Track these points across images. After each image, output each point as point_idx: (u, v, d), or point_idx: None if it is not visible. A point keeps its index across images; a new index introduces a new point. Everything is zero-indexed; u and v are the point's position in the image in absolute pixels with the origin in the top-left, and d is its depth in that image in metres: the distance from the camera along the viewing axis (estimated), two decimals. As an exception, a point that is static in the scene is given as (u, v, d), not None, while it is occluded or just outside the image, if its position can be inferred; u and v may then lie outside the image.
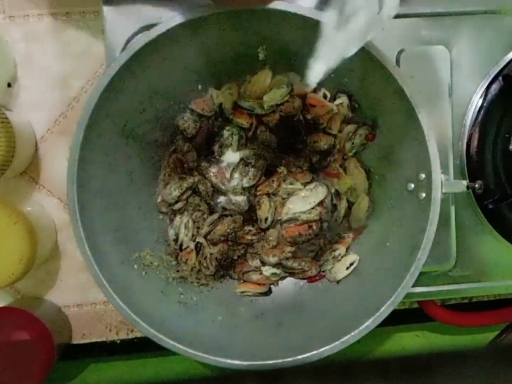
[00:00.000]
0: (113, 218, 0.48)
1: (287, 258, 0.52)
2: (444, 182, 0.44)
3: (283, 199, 0.52)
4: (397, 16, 0.50)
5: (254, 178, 0.51)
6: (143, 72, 0.45)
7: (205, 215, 0.52)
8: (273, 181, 0.51)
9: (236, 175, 0.51)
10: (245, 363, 0.44)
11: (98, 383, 0.58)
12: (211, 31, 0.45)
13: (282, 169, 0.51)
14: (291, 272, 0.53)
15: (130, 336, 0.57)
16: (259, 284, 0.53)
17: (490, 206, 0.52)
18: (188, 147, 0.51)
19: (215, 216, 0.52)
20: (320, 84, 0.50)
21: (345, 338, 0.44)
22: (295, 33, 0.45)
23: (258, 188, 0.51)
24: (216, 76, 0.50)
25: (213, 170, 0.52)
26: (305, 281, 0.53)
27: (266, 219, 0.51)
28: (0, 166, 0.47)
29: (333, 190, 0.52)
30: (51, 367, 0.50)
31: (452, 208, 0.51)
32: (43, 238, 0.51)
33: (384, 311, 0.44)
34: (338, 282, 0.52)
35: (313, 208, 0.51)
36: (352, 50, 0.38)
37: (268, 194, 0.52)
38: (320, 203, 0.52)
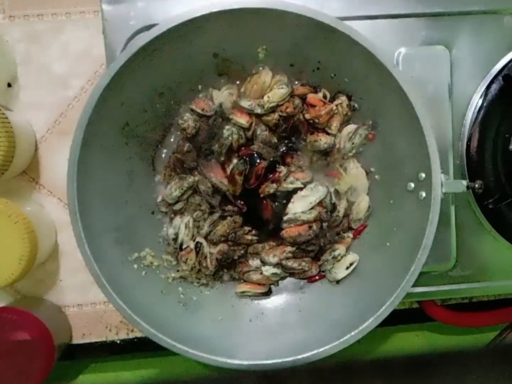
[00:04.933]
0: (113, 218, 0.48)
1: (287, 258, 0.52)
2: (444, 182, 0.44)
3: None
4: (397, 16, 0.51)
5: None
6: (143, 72, 0.45)
7: (206, 215, 0.52)
8: (273, 181, 0.51)
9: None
10: (245, 363, 0.44)
11: (98, 383, 0.58)
12: (211, 31, 0.45)
13: (282, 169, 0.51)
14: (291, 272, 0.53)
15: (130, 336, 0.57)
16: (259, 284, 0.53)
17: (490, 206, 0.52)
18: (188, 147, 0.51)
19: (215, 216, 0.52)
20: (320, 84, 0.51)
21: (345, 338, 0.44)
22: (295, 33, 0.45)
23: (260, 191, 0.51)
24: (216, 76, 0.50)
25: (213, 169, 0.52)
26: (305, 281, 0.53)
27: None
28: (0, 166, 0.47)
29: (332, 190, 0.52)
30: (51, 367, 0.50)
31: (452, 208, 0.51)
32: (43, 238, 0.51)
33: (384, 311, 0.44)
34: (338, 282, 0.52)
35: (312, 208, 0.51)
36: None
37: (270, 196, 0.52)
38: (320, 203, 0.52)
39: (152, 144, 0.51)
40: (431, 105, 0.50)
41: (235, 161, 0.51)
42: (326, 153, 0.52)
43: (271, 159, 0.51)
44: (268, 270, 0.52)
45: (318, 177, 0.53)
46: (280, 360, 0.44)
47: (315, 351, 0.44)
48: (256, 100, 0.50)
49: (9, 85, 0.53)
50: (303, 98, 0.51)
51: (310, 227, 0.51)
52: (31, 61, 0.54)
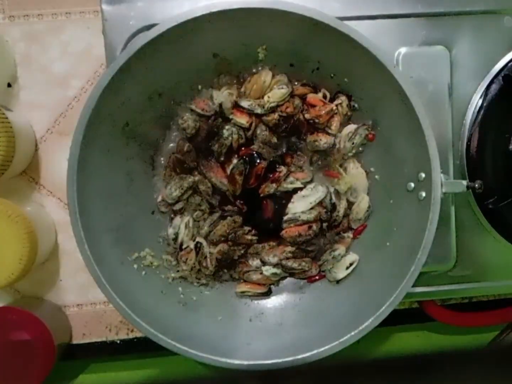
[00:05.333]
0: (113, 218, 0.48)
1: (287, 258, 0.52)
2: (444, 182, 0.44)
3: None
4: (397, 16, 0.51)
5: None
6: (143, 72, 0.45)
7: (206, 215, 0.52)
8: (273, 181, 0.51)
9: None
10: (245, 363, 0.44)
11: (98, 383, 0.58)
12: (211, 31, 0.45)
13: (282, 169, 0.51)
14: (291, 272, 0.53)
15: (130, 336, 0.57)
16: (259, 284, 0.53)
17: (490, 206, 0.52)
18: (188, 147, 0.51)
19: (215, 216, 0.52)
20: (320, 84, 0.51)
21: (345, 338, 0.44)
22: (295, 33, 0.45)
23: (260, 191, 0.51)
24: (216, 76, 0.50)
25: (213, 169, 0.52)
26: (305, 281, 0.53)
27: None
28: (0, 166, 0.47)
29: (332, 190, 0.52)
30: (51, 367, 0.50)
31: (452, 208, 0.51)
32: (43, 238, 0.51)
33: (384, 311, 0.44)
34: (338, 282, 0.52)
35: (312, 208, 0.51)
36: None
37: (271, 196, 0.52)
38: (320, 203, 0.52)
39: (152, 144, 0.51)
40: (431, 105, 0.50)
41: (235, 161, 0.51)
42: (326, 153, 0.52)
43: (271, 159, 0.51)
44: (268, 270, 0.52)
45: (318, 177, 0.53)
46: (280, 360, 0.44)
47: (315, 351, 0.44)
48: (256, 100, 0.50)
49: (9, 85, 0.53)
50: (303, 98, 0.51)
51: (310, 227, 0.51)
52: (31, 61, 0.54)
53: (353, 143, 0.50)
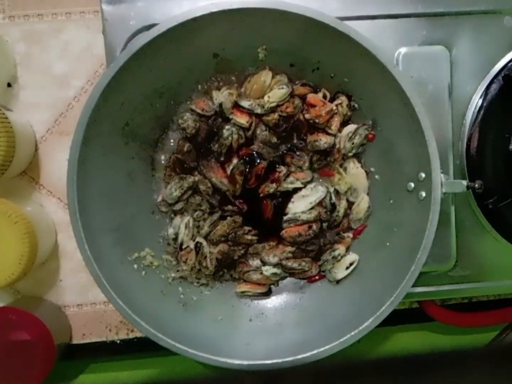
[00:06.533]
0: (113, 218, 0.48)
1: (287, 258, 0.52)
2: (444, 182, 0.44)
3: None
4: (397, 16, 0.51)
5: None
6: (143, 72, 0.45)
7: (206, 215, 0.52)
8: (273, 180, 0.51)
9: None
10: (245, 363, 0.44)
11: (98, 383, 0.58)
12: (211, 31, 0.45)
13: (282, 169, 0.51)
14: (291, 272, 0.53)
15: (130, 336, 0.57)
16: (259, 284, 0.53)
17: (490, 206, 0.52)
18: (188, 147, 0.51)
19: (215, 216, 0.52)
20: (320, 84, 0.51)
21: (345, 338, 0.44)
22: (295, 33, 0.45)
23: (260, 191, 0.51)
24: (216, 75, 0.50)
25: (213, 169, 0.52)
26: (305, 281, 0.53)
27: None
28: (0, 166, 0.47)
29: (332, 190, 0.52)
30: (51, 367, 0.50)
31: (452, 208, 0.51)
32: (43, 238, 0.51)
33: (384, 311, 0.44)
34: (338, 282, 0.52)
35: (312, 208, 0.51)
36: None
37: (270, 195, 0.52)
38: (320, 203, 0.52)
39: (152, 144, 0.51)
40: (431, 105, 0.50)
41: (235, 161, 0.51)
42: (326, 153, 0.52)
43: (271, 159, 0.51)
44: (268, 270, 0.52)
45: (318, 177, 0.53)
46: (280, 360, 0.44)
47: (315, 351, 0.44)
48: (256, 100, 0.50)
49: (9, 85, 0.53)
50: (303, 98, 0.51)
51: (310, 227, 0.51)
52: (31, 61, 0.54)
53: (353, 143, 0.51)
